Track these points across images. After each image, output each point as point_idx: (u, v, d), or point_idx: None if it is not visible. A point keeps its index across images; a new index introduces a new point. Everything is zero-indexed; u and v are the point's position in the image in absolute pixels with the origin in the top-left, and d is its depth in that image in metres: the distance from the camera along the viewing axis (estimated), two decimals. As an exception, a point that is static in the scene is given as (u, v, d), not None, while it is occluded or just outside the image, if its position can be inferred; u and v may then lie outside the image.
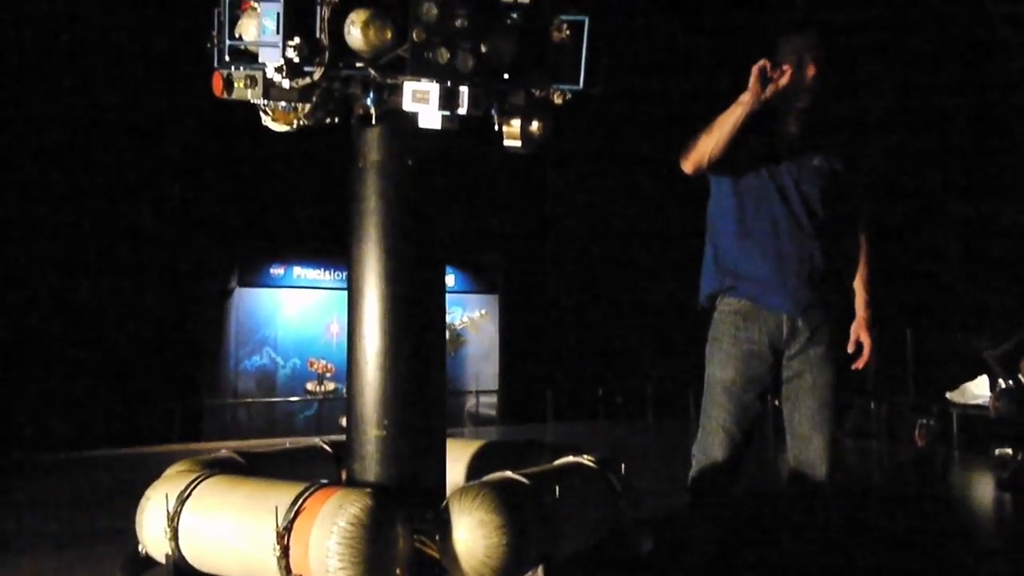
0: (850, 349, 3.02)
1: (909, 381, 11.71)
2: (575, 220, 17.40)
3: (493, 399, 15.50)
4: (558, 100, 2.67)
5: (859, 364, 3.06)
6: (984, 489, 7.02)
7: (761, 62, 2.67)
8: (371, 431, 2.37)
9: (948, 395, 10.39)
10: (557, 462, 2.56)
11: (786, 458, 3.04)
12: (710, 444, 2.88)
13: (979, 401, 9.90)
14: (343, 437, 2.66)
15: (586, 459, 2.52)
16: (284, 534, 1.96)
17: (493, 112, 2.59)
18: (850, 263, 3.09)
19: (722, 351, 2.94)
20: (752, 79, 2.67)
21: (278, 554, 1.96)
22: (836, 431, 3.00)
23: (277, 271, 14.32)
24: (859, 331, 3.03)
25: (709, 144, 2.80)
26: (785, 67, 2.72)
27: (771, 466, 3.11)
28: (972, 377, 10.45)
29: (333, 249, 13.66)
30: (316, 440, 3.10)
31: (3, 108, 12.85)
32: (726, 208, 2.99)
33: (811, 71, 2.85)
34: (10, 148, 13.10)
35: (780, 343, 2.93)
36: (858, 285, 3.08)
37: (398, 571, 2.00)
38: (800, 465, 2.98)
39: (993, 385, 9.80)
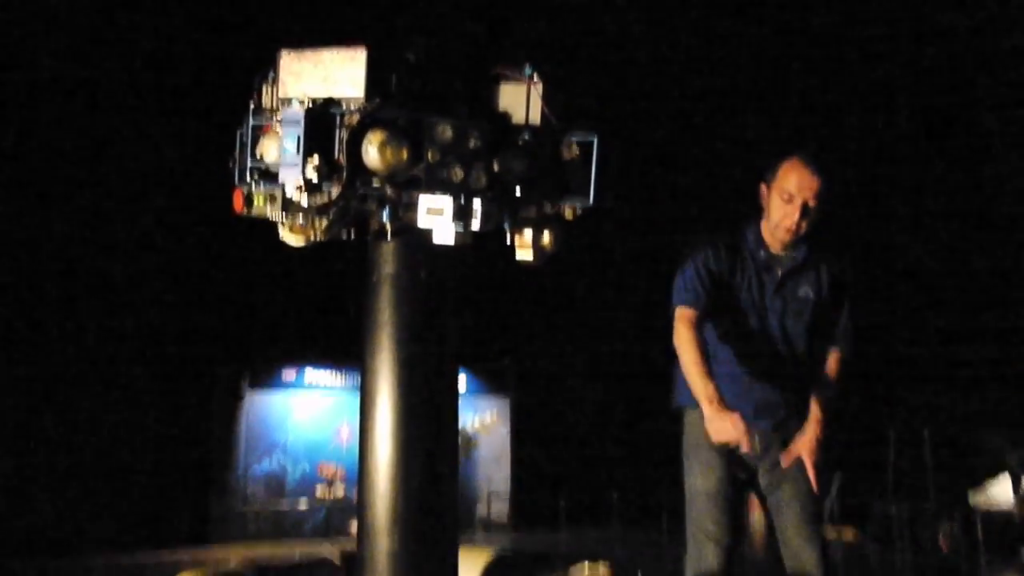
0: (784, 463, 2.95)
1: (929, 483, 11.48)
2: (587, 322, 17.48)
3: (504, 504, 15.21)
4: (569, 214, 2.76)
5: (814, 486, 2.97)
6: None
7: (737, 437, 2.64)
8: (382, 542, 2.36)
9: (971, 498, 10.18)
10: (572, 572, 2.52)
11: (781, 560, 2.99)
12: (704, 557, 2.85)
13: (1003, 505, 9.70)
14: (353, 544, 2.63)
15: (602, 569, 2.49)
16: (294, 653, 1.93)
17: (505, 226, 2.67)
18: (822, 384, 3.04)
19: (700, 461, 2.93)
20: (728, 431, 2.66)
21: (288, 674, 1.93)
22: (823, 533, 2.96)
23: (289, 374, 14.33)
24: (800, 449, 2.90)
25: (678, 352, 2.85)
26: (747, 447, 2.67)
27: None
28: (994, 475, 10.27)
29: (344, 353, 13.71)
30: (325, 550, 3.07)
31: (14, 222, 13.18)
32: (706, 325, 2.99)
33: (797, 214, 2.85)
34: (20, 251, 13.37)
35: (755, 452, 2.86)
36: (815, 403, 2.98)
37: None
38: (796, 573, 2.93)
39: (1016, 487, 9.61)
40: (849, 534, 11.41)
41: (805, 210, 2.85)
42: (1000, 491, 9.90)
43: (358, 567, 2.44)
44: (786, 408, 3.03)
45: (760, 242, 3.00)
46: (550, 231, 2.75)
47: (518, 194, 2.59)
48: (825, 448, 2.93)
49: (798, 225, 2.87)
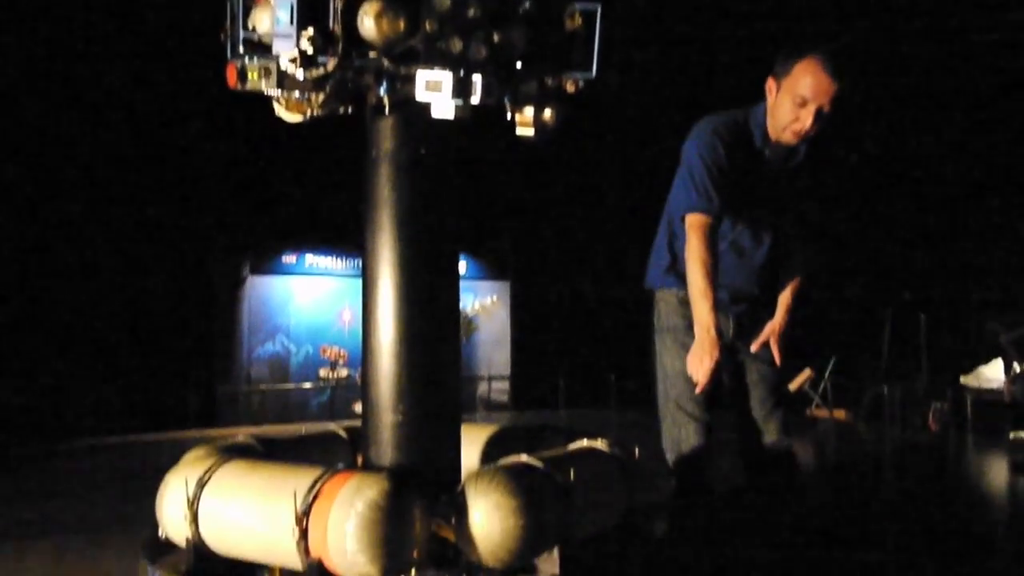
0: (753, 348, 3.03)
1: (923, 365, 11.70)
2: (587, 205, 17.39)
3: (505, 385, 15.56)
4: (571, 88, 2.68)
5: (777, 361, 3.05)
6: (998, 472, 7.02)
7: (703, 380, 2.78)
8: (386, 417, 2.40)
9: (962, 379, 10.37)
10: (571, 446, 2.58)
11: (743, 445, 3.14)
12: (684, 436, 2.96)
13: (993, 385, 9.89)
14: (358, 423, 2.69)
15: (600, 443, 2.55)
16: (303, 518, 1.99)
17: (506, 101, 2.60)
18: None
19: (676, 341, 3.00)
20: (702, 373, 2.80)
21: (297, 537, 1.99)
22: (787, 414, 3.11)
23: (289, 259, 14.39)
24: (767, 335, 3.02)
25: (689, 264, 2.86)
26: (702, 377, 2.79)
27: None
28: (987, 361, 10.43)
29: (344, 237, 13.73)
30: (331, 426, 3.14)
31: (15, 102, 12.92)
32: None
33: (809, 121, 2.75)
34: (27, 140, 13.18)
35: (727, 336, 3.00)
36: (786, 293, 3.08)
37: (415, 554, 2.03)
38: (764, 449, 3.08)
39: (1008, 369, 9.77)
40: (841, 414, 11.72)
41: (819, 115, 2.74)
42: (992, 373, 10.08)
43: (363, 440, 2.49)
44: (759, 297, 3.11)
45: (764, 137, 2.93)
46: (551, 106, 2.68)
47: (519, 67, 2.52)
48: (790, 334, 3.04)
49: (809, 129, 2.77)
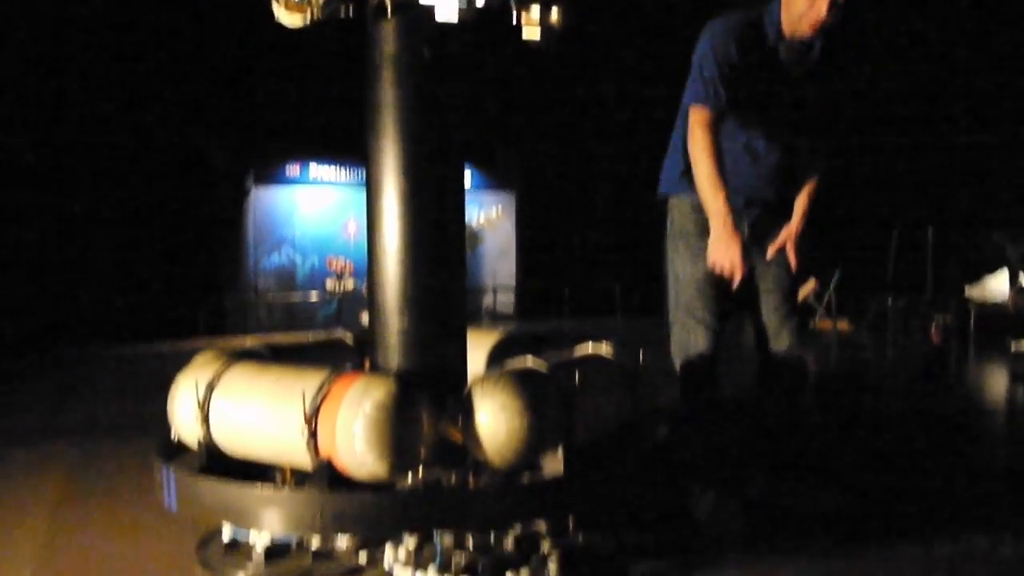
0: (769, 255, 3.02)
1: (928, 277, 11.70)
2: (594, 114, 17.11)
3: (510, 296, 15.63)
4: (577, -13, 2.60)
5: (793, 266, 3.04)
6: (998, 381, 7.10)
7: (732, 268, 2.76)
8: (393, 322, 2.42)
9: (967, 291, 10.38)
10: (576, 351, 2.60)
11: (757, 353, 3.16)
12: (694, 342, 2.97)
13: (998, 297, 9.91)
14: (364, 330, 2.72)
15: (605, 349, 2.57)
16: (311, 418, 2.03)
17: (511, 1, 2.53)
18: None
19: (689, 247, 2.99)
20: (729, 260, 2.77)
21: (306, 437, 2.03)
22: (799, 317, 3.12)
23: (293, 170, 14.28)
24: (784, 240, 3.01)
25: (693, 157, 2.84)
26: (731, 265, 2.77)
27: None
28: (992, 273, 10.42)
29: (349, 147, 13.60)
30: (338, 332, 3.17)
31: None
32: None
33: (825, 7, 2.69)
34: (33, 52, 12.94)
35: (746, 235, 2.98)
36: (799, 200, 3.05)
37: (422, 454, 2.08)
38: (777, 356, 3.09)
39: (1013, 281, 9.77)
40: (844, 326, 11.79)
41: (834, 2, 2.67)
42: (996, 285, 10.09)
43: (370, 345, 2.51)
44: (773, 201, 3.06)
45: (779, 34, 2.85)
46: (558, 7, 2.61)
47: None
48: (806, 240, 3.02)
49: (824, 20, 2.71)
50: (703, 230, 2.89)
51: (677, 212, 3.09)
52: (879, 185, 15.09)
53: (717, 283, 2.92)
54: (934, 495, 3.42)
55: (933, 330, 10.54)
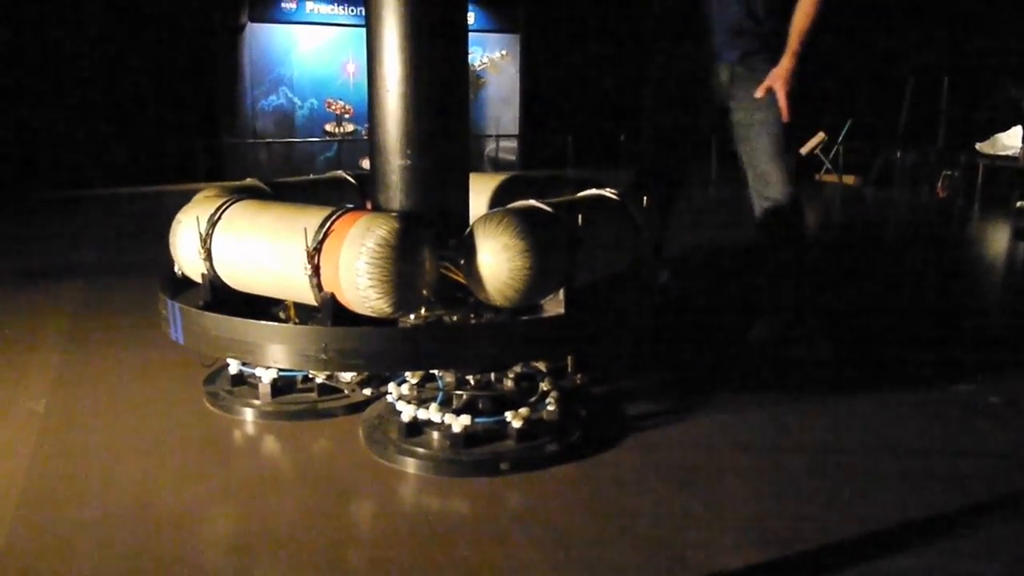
0: (758, 94, 3.05)
1: (940, 132, 11.46)
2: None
3: (513, 144, 15.38)
4: None
5: (784, 115, 3.04)
6: (998, 238, 7.09)
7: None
8: (394, 160, 2.36)
9: (978, 146, 10.18)
10: (580, 194, 2.57)
11: (751, 199, 3.25)
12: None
13: (1009, 152, 9.74)
14: (366, 172, 2.67)
15: (609, 192, 2.53)
16: (314, 254, 2.02)
17: None
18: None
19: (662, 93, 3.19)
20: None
21: (309, 273, 2.03)
22: (790, 160, 3.18)
23: (288, 5, 13.70)
24: (773, 80, 3.03)
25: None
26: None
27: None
28: (1005, 128, 10.19)
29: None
30: (339, 172, 3.12)
31: None
32: None
33: None
34: None
35: (724, 89, 3.13)
36: (792, 32, 3.03)
37: (424, 292, 2.08)
38: (766, 200, 3.18)
39: (1026, 136, 9.56)
40: (850, 179, 11.66)
41: None
42: (1009, 140, 9.88)
43: (372, 185, 2.47)
44: (758, 39, 3.06)
45: None
46: None
47: None
48: (797, 79, 3.02)
49: None
50: (678, 77, 3.12)
51: (658, 56, 3.21)
52: (893, 30, 14.47)
53: (683, 129, 3.16)
54: (919, 345, 3.47)
55: (939, 185, 10.43)
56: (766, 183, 3.14)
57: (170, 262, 2.56)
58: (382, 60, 2.35)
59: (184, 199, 2.54)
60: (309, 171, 12.98)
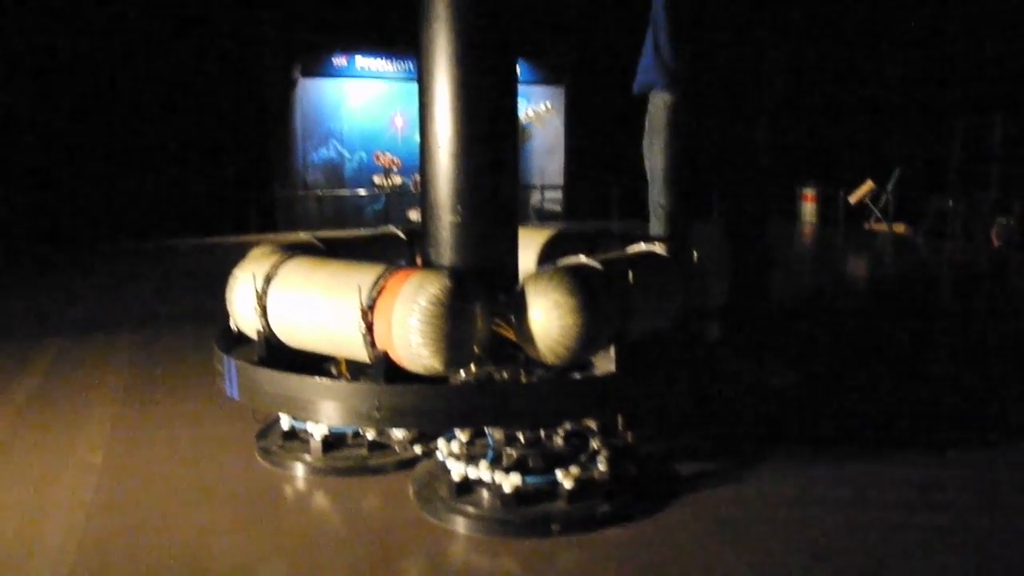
0: None
1: (993, 179, 11.26)
2: (645, 12, 16.43)
3: (558, 194, 15.48)
4: None
5: None
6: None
7: None
8: (445, 217, 2.40)
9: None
10: (629, 250, 2.57)
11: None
12: (662, 228, 3.25)
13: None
14: (415, 225, 2.71)
15: (658, 247, 2.53)
16: (367, 312, 2.05)
17: None
18: None
19: (660, 143, 3.22)
20: None
21: (363, 331, 2.06)
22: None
23: (340, 61, 14.08)
24: None
25: None
26: None
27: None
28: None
29: (395, 39, 13.34)
30: (390, 227, 3.17)
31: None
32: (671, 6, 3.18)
33: None
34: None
35: (712, 137, 3.26)
36: None
37: (475, 349, 2.09)
38: (741, 246, 3.37)
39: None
40: (900, 228, 11.49)
41: None
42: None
43: (422, 241, 2.51)
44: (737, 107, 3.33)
45: None
46: None
47: None
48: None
49: None
50: (671, 125, 3.18)
51: (652, 108, 3.27)
52: (944, 74, 14.33)
53: (683, 177, 3.21)
54: (975, 401, 3.38)
55: (993, 233, 10.22)
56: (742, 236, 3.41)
57: (226, 317, 2.61)
58: (434, 119, 2.41)
59: (237, 251, 2.60)
60: (358, 223, 13.21)
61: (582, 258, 2.24)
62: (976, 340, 4.62)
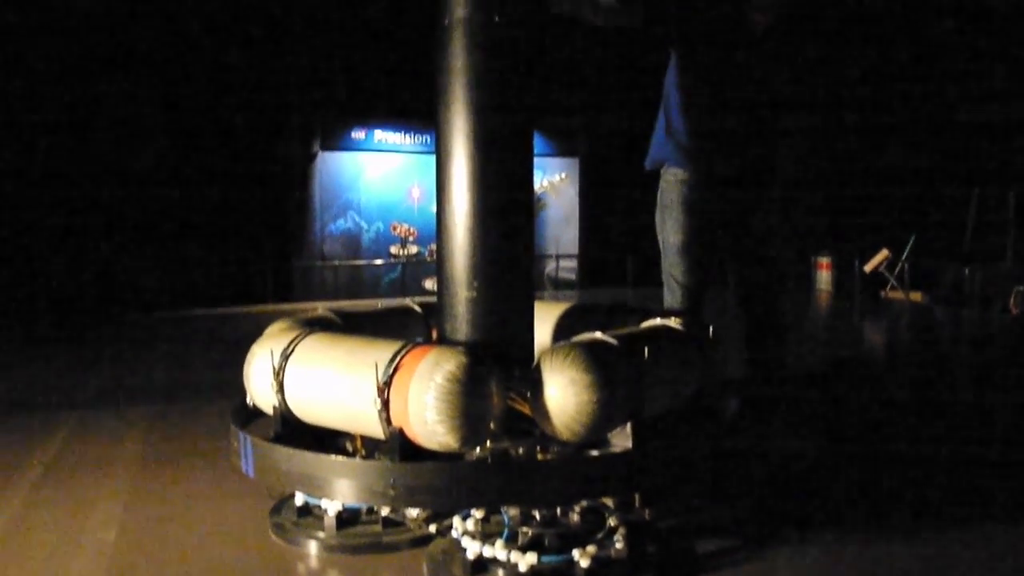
0: None
1: (1009, 246, 11.24)
2: (658, 85, 16.75)
3: (573, 263, 15.56)
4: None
5: None
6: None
7: None
8: (461, 292, 2.42)
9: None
10: (645, 324, 2.57)
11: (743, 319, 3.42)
12: (675, 301, 3.27)
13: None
14: (431, 299, 2.73)
15: (674, 322, 2.53)
16: (384, 389, 2.05)
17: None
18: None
19: (673, 218, 3.26)
20: None
21: (379, 407, 2.05)
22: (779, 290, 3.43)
23: (358, 135, 14.38)
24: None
25: None
26: None
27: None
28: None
29: (412, 113, 13.63)
30: (406, 301, 3.19)
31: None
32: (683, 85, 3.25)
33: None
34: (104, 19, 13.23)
35: (725, 212, 3.27)
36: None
37: (491, 426, 2.08)
38: (757, 321, 3.37)
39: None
40: (917, 296, 11.43)
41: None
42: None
43: (438, 316, 2.52)
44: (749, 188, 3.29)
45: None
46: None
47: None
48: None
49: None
50: (684, 201, 3.21)
51: (664, 184, 3.32)
52: (955, 144, 14.46)
53: (697, 251, 3.23)
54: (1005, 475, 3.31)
55: (1012, 302, 10.16)
56: (756, 305, 3.39)
57: (242, 391, 2.62)
58: (451, 196, 2.45)
59: (252, 322, 2.62)
60: (375, 292, 13.29)
61: (598, 334, 2.24)
62: (998, 411, 4.55)
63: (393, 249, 14.57)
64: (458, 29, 2.40)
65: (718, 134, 3.19)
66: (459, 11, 2.39)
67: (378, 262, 14.46)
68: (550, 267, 15.29)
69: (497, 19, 2.39)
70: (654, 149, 3.36)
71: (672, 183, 3.28)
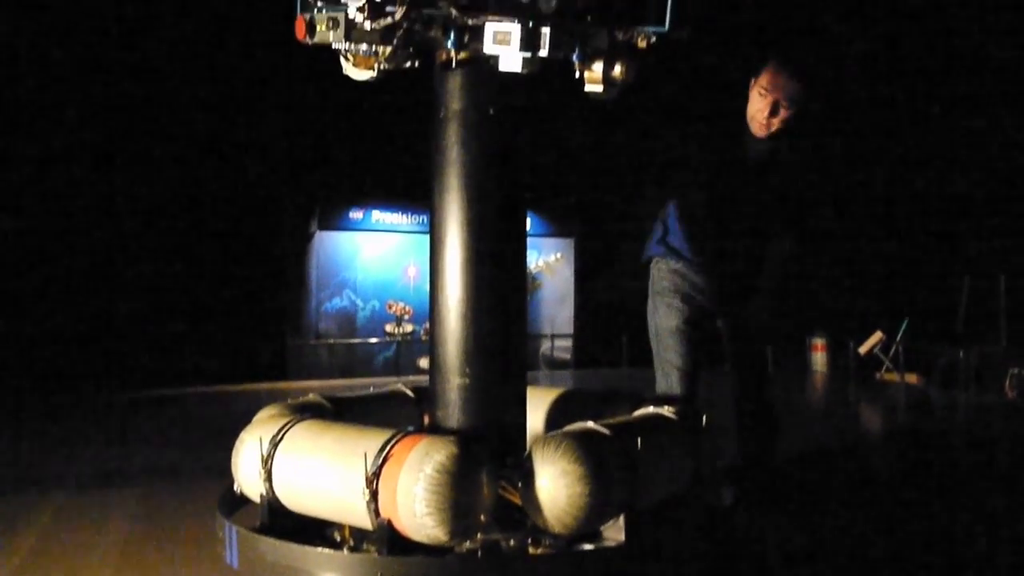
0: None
1: (1002, 330, 11.28)
2: (655, 163, 17.05)
3: (568, 343, 15.54)
4: (642, 44, 2.59)
5: None
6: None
7: None
8: (454, 379, 2.41)
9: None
10: (638, 413, 2.55)
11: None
12: (671, 384, 3.28)
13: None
14: (424, 380, 2.71)
15: (667, 410, 2.51)
16: (373, 479, 2.02)
17: (574, 58, 2.53)
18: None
19: (665, 303, 3.34)
20: None
21: (367, 498, 2.02)
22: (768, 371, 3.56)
23: (356, 215, 14.54)
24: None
25: None
26: None
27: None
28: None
29: (410, 193, 13.81)
30: (399, 385, 3.17)
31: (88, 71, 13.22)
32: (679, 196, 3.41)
33: (779, 118, 3.10)
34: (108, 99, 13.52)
35: (715, 304, 3.36)
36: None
37: (481, 517, 2.04)
38: (746, 405, 3.40)
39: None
40: (912, 378, 11.41)
41: (775, 108, 3.08)
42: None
43: (430, 402, 2.50)
44: (741, 290, 3.40)
45: (746, 129, 3.24)
46: (621, 62, 2.60)
47: (588, 20, 2.44)
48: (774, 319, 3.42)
49: (768, 121, 3.11)
50: (676, 288, 3.30)
51: (656, 272, 3.43)
52: (947, 229, 14.68)
53: (691, 335, 3.26)
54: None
55: (1007, 385, 10.14)
56: (745, 389, 3.45)
57: (230, 478, 2.57)
58: (444, 283, 2.46)
59: (245, 401, 2.59)
60: (369, 371, 13.22)
61: (590, 423, 2.22)
62: (1001, 503, 4.49)
63: (388, 327, 14.56)
64: (453, 120, 2.45)
65: (721, 257, 3.32)
66: (454, 104, 2.45)
67: (373, 340, 14.42)
68: (545, 347, 15.27)
69: (491, 112, 2.44)
70: (650, 247, 3.47)
71: (665, 271, 3.36)
